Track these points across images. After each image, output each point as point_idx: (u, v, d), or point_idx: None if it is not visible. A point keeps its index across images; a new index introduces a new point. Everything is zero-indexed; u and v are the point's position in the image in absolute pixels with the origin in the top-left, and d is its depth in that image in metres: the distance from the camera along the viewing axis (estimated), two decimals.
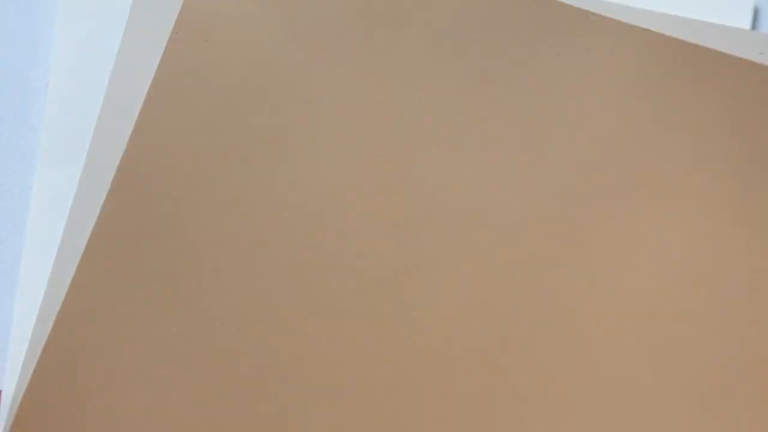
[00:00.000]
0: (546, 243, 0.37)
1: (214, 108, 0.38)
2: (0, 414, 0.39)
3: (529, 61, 0.38)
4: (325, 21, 0.38)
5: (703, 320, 0.35)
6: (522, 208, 0.37)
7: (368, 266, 0.38)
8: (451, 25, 0.38)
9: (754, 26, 0.39)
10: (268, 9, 0.38)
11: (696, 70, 0.36)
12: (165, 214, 0.38)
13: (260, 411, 0.37)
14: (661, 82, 0.37)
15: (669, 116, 0.37)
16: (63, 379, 0.38)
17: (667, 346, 0.36)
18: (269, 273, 0.38)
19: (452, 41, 0.38)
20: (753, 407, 0.35)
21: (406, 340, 0.37)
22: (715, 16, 0.38)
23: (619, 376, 0.36)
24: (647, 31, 0.37)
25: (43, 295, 0.39)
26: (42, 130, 0.41)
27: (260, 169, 0.38)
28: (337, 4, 0.38)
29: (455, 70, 0.38)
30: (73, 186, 0.40)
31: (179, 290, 0.38)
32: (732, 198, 0.36)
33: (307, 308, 0.38)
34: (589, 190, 0.37)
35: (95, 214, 0.38)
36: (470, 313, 0.37)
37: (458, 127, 0.38)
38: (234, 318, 0.38)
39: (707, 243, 0.36)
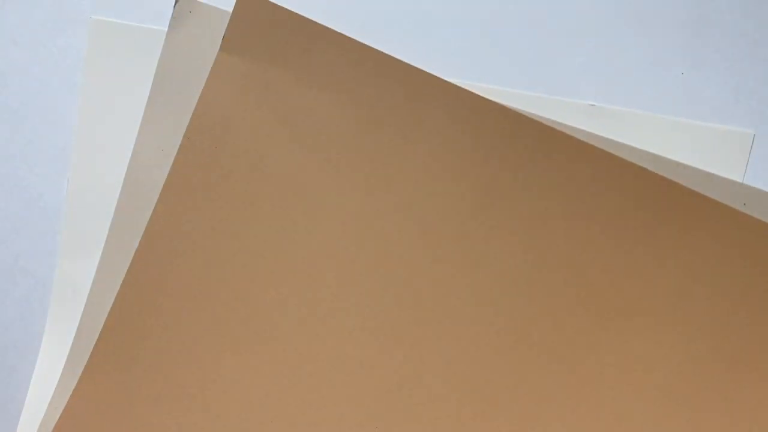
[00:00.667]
0: (539, 363, 0.38)
1: (221, 214, 0.39)
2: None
3: (528, 183, 0.39)
4: (331, 131, 0.39)
5: None
6: (517, 328, 0.39)
7: (368, 375, 0.39)
8: (454, 142, 0.39)
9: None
10: (276, 119, 0.39)
11: (683, 210, 0.38)
12: (168, 321, 0.39)
13: None
14: (652, 219, 0.38)
15: (658, 251, 0.38)
16: None
17: None
18: (269, 379, 0.39)
19: (456, 161, 0.39)
20: None
21: None
22: (710, 162, 0.40)
23: None
24: (642, 169, 0.39)
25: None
26: (62, 224, 0.41)
27: (264, 276, 0.39)
28: (343, 115, 0.39)
29: (458, 189, 0.39)
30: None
31: (179, 391, 0.39)
32: (712, 329, 0.38)
33: (308, 417, 0.39)
34: (582, 316, 0.39)
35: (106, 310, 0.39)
36: (466, 424, 0.38)
37: (460, 246, 0.39)
38: (236, 422, 0.39)
39: (689, 369, 0.38)
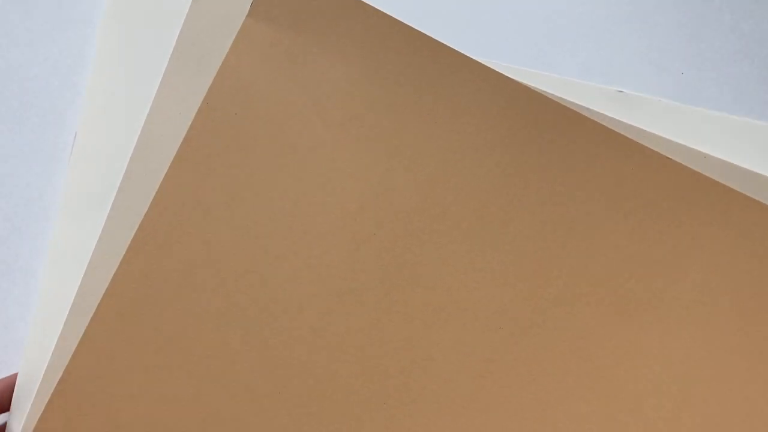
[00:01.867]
0: (554, 354, 0.37)
1: (237, 183, 0.38)
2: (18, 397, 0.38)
3: (554, 173, 0.38)
4: (353, 107, 0.38)
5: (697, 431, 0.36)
6: (532, 315, 0.38)
7: (378, 359, 0.37)
8: (478, 123, 0.38)
9: None
10: (299, 89, 0.38)
11: (708, 203, 0.38)
12: (175, 288, 0.37)
13: None
14: (675, 210, 0.38)
15: (679, 244, 0.38)
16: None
17: None
18: (278, 361, 0.37)
19: (479, 142, 0.38)
20: None
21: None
22: (745, 157, 0.39)
23: None
24: (664, 157, 0.38)
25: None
26: (65, 183, 0.40)
27: (277, 251, 0.38)
28: (368, 90, 0.38)
29: (480, 170, 0.38)
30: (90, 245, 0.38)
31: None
32: (732, 327, 0.37)
33: (317, 399, 0.37)
34: (598, 305, 0.38)
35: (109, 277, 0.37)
36: (477, 416, 0.37)
37: (479, 227, 0.38)
38: (243, 402, 0.37)
39: (706, 367, 0.37)
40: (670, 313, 0.37)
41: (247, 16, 0.37)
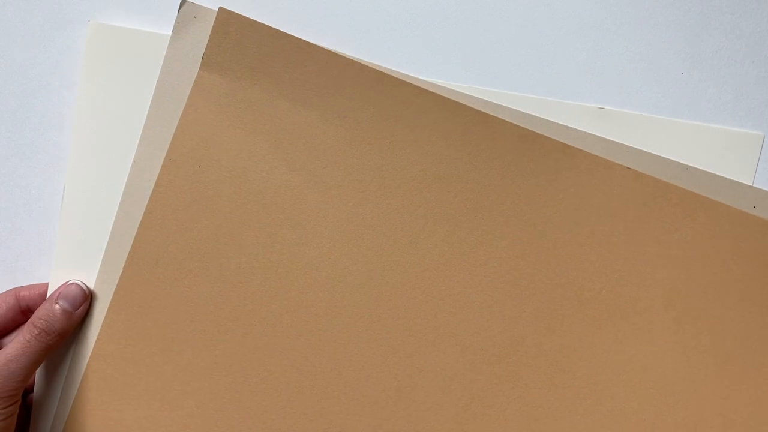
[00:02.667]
0: (533, 366, 0.38)
1: (207, 234, 0.39)
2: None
3: (518, 194, 0.38)
4: (316, 147, 0.38)
5: None
6: (512, 333, 0.38)
7: (363, 385, 0.39)
8: (439, 152, 0.38)
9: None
10: (260, 136, 0.38)
11: (679, 212, 0.37)
12: (161, 337, 0.39)
13: None
14: (645, 220, 0.37)
15: (652, 253, 0.37)
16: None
17: None
18: (262, 397, 0.39)
19: (441, 168, 0.38)
20: None
21: None
22: (721, 164, 0.39)
23: None
24: (631, 170, 0.37)
25: None
26: (59, 232, 0.41)
27: (255, 293, 0.39)
28: (327, 130, 0.38)
29: (446, 198, 0.38)
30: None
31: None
32: (704, 330, 0.37)
33: (307, 428, 0.39)
34: (578, 319, 0.38)
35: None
36: (463, 429, 0.39)
37: (451, 253, 0.38)
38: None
39: (681, 369, 0.37)
40: (644, 320, 0.37)
41: (200, 68, 0.38)
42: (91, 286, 0.40)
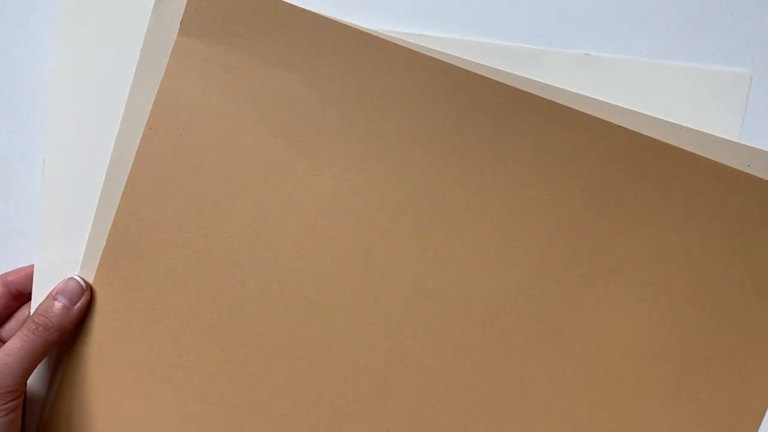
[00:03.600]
0: (524, 326, 0.38)
1: (192, 204, 0.38)
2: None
3: (507, 155, 0.37)
4: (300, 112, 0.37)
5: (665, 390, 0.38)
6: (500, 294, 0.38)
7: (354, 351, 0.38)
8: (426, 114, 0.37)
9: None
10: (242, 102, 0.37)
11: (671, 170, 0.37)
12: (148, 308, 0.39)
13: None
14: (636, 179, 0.37)
15: (638, 211, 0.37)
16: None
17: (634, 416, 0.38)
18: (253, 368, 0.39)
19: (428, 130, 0.37)
20: None
21: (394, 423, 0.39)
22: (709, 105, 0.38)
23: None
24: (622, 128, 0.37)
25: None
26: (42, 206, 0.40)
27: (242, 263, 0.38)
28: (311, 94, 0.37)
29: (434, 160, 0.37)
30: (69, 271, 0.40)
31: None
32: (689, 284, 0.37)
33: (298, 397, 0.39)
34: (564, 277, 0.37)
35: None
36: (456, 393, 0.38)
37: (440, 217, 0.38)
38: (226, 409, 0.39)
39: (668, 322, 0.37)
40: (634, 278, 0.37)
41: (179, 35, 0.37)
42: (78, 259, 0.39)
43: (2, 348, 0.37)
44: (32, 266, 0.40)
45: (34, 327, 0.37)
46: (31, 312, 0.39)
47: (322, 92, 0.37)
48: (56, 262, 0.39)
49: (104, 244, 0.38)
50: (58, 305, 0.37)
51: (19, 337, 0.37)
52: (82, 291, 0.38)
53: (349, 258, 0.38)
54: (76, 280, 0.38)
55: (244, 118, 0.37)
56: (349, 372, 0.38)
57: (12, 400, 0.36)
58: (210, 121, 0.38)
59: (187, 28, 0.37)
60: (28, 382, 0.39)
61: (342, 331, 0.38)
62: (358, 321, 0.38)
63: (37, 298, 0.39)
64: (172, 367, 0.39)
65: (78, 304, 0.38)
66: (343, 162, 0.37)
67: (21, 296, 0.40)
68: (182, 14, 0.37)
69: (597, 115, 0.37)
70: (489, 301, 0.38)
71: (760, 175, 0.36)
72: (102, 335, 0.39)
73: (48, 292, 0.39)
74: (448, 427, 0.38)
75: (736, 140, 0.37)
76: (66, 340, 0.38)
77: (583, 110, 0.37)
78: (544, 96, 0.37)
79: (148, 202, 0.38)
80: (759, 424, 0.38)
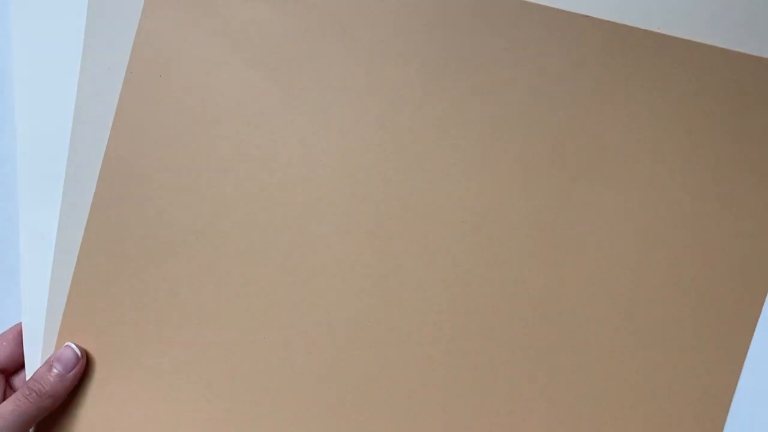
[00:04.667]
0: (516, 231, 0.38)
1: (175, 142, 0.38)
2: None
3: (478, 58, 0.37)
4: (271, 41, 0.38)
5: (663, 277, 0.37)
6: (487, 200, 0.38)
7: (347, 273, 0.38)
8: (396, 30, 0.38)
9: None
10: (217, 37, 0.38)
11: (645, 53, 0.37)
12: (137, 251, 0.39)
13: None
14: (620, 69, 0.37)
15: (630, 98, 0.37)
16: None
17: (633, 309, 0.37)
18: (247, 300, 0.39)
19: (401, 45, 0.38)
20: (699, 344, 0.38)
21: (391, 338, 0.38)
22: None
23: (592, 334, 0.38)
24: (588, 17, 0.37)
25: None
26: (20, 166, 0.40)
27: (230, 195, 0.38)
28: (280, 21, 0.38)
29: (409, 74, 0.38)
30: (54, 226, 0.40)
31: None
32: (681, 174, 0.37)
33: (295, 317, 0.39)
34: (554, 174, 0.37)
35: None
36: (450, 303, 0.38)
37: (417, 130, 0.38)
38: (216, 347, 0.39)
39: (662, 211, 0.37)
40: (626, 169, 0.37)
41: None
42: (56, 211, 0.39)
43: None
44: (11, 330, 0.41)
45: (27, 392, 0.38)
46: (27, 376, 0.40)
47: (290, 17, 0.38)
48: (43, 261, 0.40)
49: (93, 191, 0.39)
50: (53, 373, 0.38)
51: (12, 401, 0.37)
52: (78, 359, 0.39)
53: (333, 180, 0.38)
54: (71, 347, 0.39)
55: (219, 53, 0.38)
56: (343, 292, 0.38)
57: None
58: (188, 59, 0.38)
59: None
60: None
61: (333, 251, 0.38)
62: (348, 240, 0.38)
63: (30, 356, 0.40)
64: (166, 305, 0.39)
65: (72, 372, 0.39)
66: (318, 85, 0.38)
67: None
68: None
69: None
70: (476, 209, 0.38)
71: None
72: (92, 289, 0.40)
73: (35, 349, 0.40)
74: (448, 332, 0.38)
75: None
76: (58, 406, 0.39)
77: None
78: None
79: (133, 145, 0.39)
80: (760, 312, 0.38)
